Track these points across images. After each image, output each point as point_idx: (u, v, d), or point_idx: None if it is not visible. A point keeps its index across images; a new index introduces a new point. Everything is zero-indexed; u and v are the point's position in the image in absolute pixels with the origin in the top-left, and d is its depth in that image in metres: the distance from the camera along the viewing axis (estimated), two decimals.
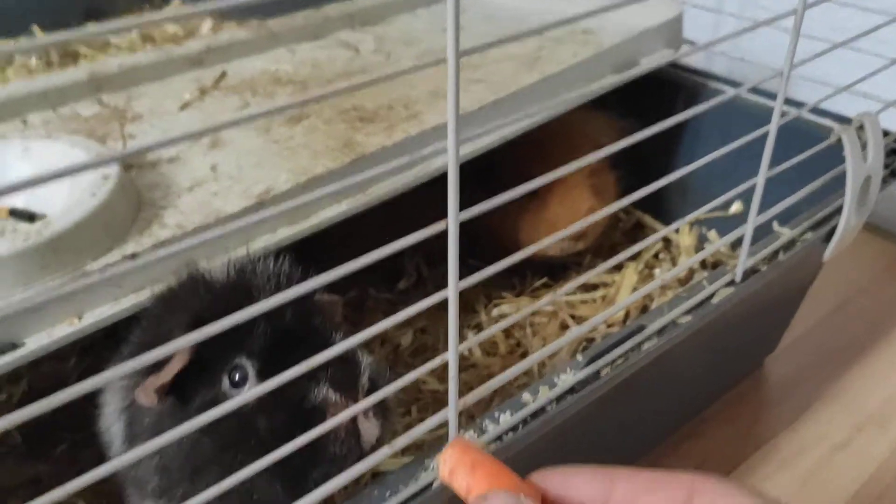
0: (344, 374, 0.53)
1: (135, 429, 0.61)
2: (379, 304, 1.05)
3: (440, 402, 0.93)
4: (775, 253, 0.74)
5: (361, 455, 0.52)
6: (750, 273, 0.71)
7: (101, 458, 0.83)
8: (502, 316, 1.00)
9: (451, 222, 0.43)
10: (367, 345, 0.61)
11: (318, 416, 0.54)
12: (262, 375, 0.56)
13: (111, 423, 0.65)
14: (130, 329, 0.66)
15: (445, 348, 0.98)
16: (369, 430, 0.53)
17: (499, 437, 0.56)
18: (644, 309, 1.01)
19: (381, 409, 0.55)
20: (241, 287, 0.59)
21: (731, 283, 0.70)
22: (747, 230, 0.68)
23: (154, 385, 0.54)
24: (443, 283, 1.13)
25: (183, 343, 0.39)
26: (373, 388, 0.55)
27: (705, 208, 0.69)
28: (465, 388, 0.93)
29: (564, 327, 1.01)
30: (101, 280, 0.36)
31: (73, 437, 0.85)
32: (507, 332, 0.99)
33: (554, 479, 0.42)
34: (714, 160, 0.63)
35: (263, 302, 0.41)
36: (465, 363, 0.96)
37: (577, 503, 0.41)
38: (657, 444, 0.91)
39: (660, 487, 0.40)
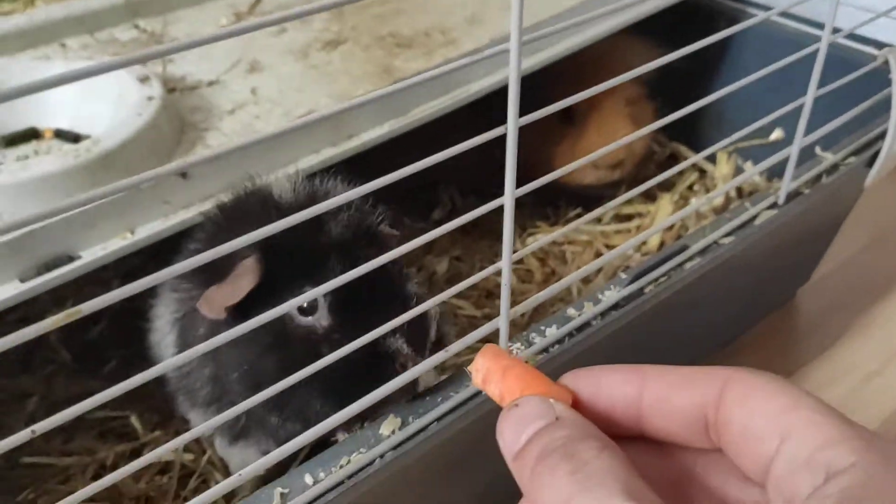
0: (416, 328, 0.54)
1: (188, 339, 0.63)
2: (413, 234, 1.06)
3: (475, 327, 0.94)
4: (818, 177, 0.74)
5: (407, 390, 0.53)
6: (793, 196, 0.71)
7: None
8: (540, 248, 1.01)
9: (511, 127, 0.43)
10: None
11: (384, 363, 0.55)
12: (333, 308, 0.57)
13: (164, 334, 0.67)
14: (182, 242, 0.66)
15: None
16: (427, 377, 0.54)
17: (545, 350, 0.58)
18: (678, 238, 1.01)
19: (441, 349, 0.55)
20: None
21: (774, 205, 0.71)
22: (793, 151, 0.68)
23: (224, 300, 0.55)
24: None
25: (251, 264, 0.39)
26: (437, 338, 0.56)
27: (745, 131, 0.68)
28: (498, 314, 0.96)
29: (598, 256, 1.01)
30: (143, 181, 0.36)
31: (121, 354, 0.87)
32: (542, 261, 1.00)
33: (586, 379, 0.41)
34: (752, 91, 0.62)
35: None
36: (499, 290, 0.97)
37: (608, 403, 0.40)
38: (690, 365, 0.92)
39: (691, 384, 0.38)
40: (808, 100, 0.66)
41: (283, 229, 0.42)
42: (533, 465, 0.36)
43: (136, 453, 0.76)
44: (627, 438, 0.40)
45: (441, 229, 0.45)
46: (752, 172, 0.69)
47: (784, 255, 0.84)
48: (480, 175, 1.10)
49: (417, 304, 0.56)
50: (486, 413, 0.53)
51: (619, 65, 0.98)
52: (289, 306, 0.42)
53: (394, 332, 0.54)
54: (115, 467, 0.74)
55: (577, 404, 0.40)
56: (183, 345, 0.63)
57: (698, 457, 0.40)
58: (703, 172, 1.10)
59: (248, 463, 0.70)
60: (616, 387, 0.40)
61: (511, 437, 0.38)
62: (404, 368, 0.53)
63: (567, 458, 0.35)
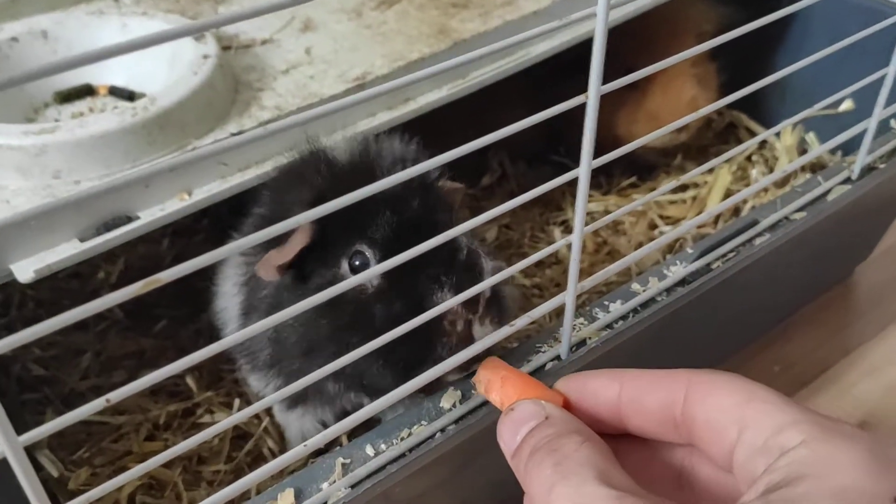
0: (470, 283, 0.51)
1: (252, 302, 0.62)
2: (463, 200, 1.04)
3: (525, 297, 0.93)
4: (893, 151, 0.71)
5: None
6: (867, 170, 0.68)
7: (197, 335, 0.86)
8: (589, 214, 0.99)
9: (593, 94, 0.41)
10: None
11: (434, 319, 0.53)
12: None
13: (229, 297, 0.66)
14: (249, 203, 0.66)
15: (530, 244, 0.99)
16: (483, 335, 0.52)
17: (609, 326, 0.56)
18: (736, 212, 0.98)
19: (497, 314, 0.54)
20: (365, 168, 0.58)
21: (847, 180, 0.68)
22: (871, 124, 0.65)
23: (276, 261, 0.54)
24: (524, 181, 1.11)
25: (304, 220, 0.38)
26: (494, 296, 0.54)
27: (820, 105, 0.65)
28: (549, 284, 0.94)
29: (653, 227, 0.99)
30: (212, 153, 0.35)
31: (171, 314, 0.87)
32: (595, 231, 0.98)
33: (574, 383, 0.46)
34: (819, 60, 0.59)
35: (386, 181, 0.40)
36: (549, 260, 0.95)
37: (594, 405, 0.45)
38: (744, 346, 0.90)
39: (659, 386, 0.42)
40: (890, 70, 0.63)
41: (337, 186, 0.41)
42: (526, 461, 0.41)
43: (188, 413, 0.77)
44: (627, 437, 0.45)
45: (516, 201, 0.43)
46: (825, 147, 0.66)
47: (850, 231, 0.82)
48: (532, 141, 1.08)
49: (469, 257, 0.55)
50: None
51: (680, 23, 0.95)
52: (342, 287, 0.41)
53: (441, 287, 0.52)
54: (167, 427, 0.75)
55: (568, 406, 0.45)
56: (249, 307, 0.63)
57: (690, 452, 0.44)
58: (762, 142, 1.06)
59: (305, 429, 0.71)
60: (599, 390, 0.45)
61: (508, 437, 0.43)
62: (453, 326, 0.51)
63: (551, 453, 0.40)
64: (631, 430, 0.44)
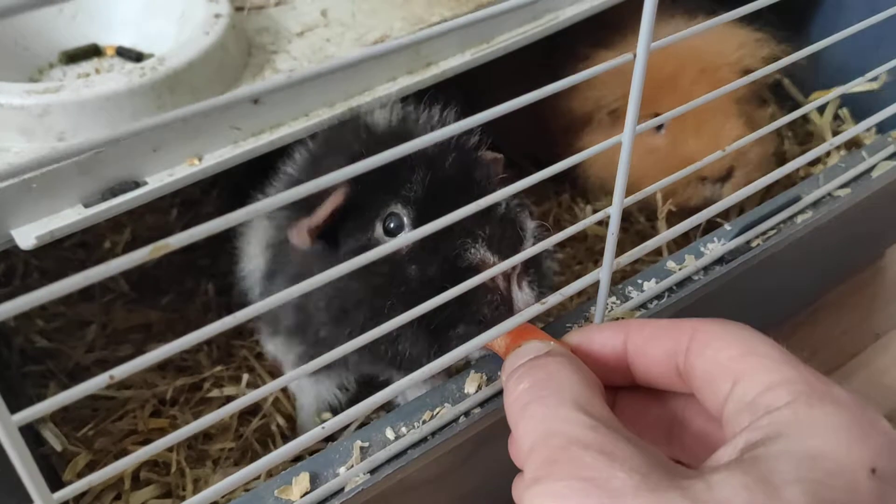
0: (505, 238, 0.49)
1: (277, 266, 0.60)
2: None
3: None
4: None
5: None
6: None
7: (205, 309, 0.83)
8: None
9: (642, 51, 0.37)
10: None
11: (471, 276, 0.50)
12: (417, 223, 0.53)
13: (252, 259, 0.64)
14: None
15: (564, 217, 0.95)
16: (523, 299, 0.49)
17: (643, 305, 0.53)
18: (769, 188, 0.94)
19: (537, 278, 0.51)
20: (403, 134, 0.55)
21: (893, 155, 0.64)
22: None
23: (308, 225, 0.52)
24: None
25: (335, 179, 0.35)
26: (532, 262, 0.51)
27: (857, 82, 0.60)
28: (573, 262, 0.91)
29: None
30: (218, 106, 0.32)
31: (177, 288, 0.85)
32: None
33: (580, 336, 0.46)
34: (853, 36, 0.55)
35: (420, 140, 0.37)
36: (578, 235, 0.92)
37: (601, 355, 0.44)
38: (770, 329, 0.87)
39: (664, 335, 0.42)
40: None
41: (371, 150, 0.38)
42: (508, 379, 0.41)
43: (195, 388, 0.74)
44: (628, 388, 0.45)
45: (562, 164, 0.40)
46: (866, 125, 0.61)
47: (890, 210, 0.78)
48: (529, 140, 1.00)
49: (507, 211, 0.52)
50: None
51: (716, 56, 0.84)
52: (377, 254, 0.38)
53: (476, 240, 0.50)
54: (174, 402, 0.72)
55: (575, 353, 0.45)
56: (273, 271, 0.61)
57: (687, 402, 0.44)
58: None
59: (321, 396, 0.68)
60: (605, 341, 0.44)
61: (509, 364, 0.43)
62: (493, 281, 0.49)
63: (533, 369, 0.40)
64: (636, 380, 0.44)
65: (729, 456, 0.35)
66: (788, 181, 0.74)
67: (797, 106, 1.01)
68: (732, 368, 0.38)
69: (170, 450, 0.66)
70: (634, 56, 0.38)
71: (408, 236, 0.39)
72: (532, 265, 0.50)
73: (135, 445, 0.67)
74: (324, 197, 0.53)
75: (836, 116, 0.98)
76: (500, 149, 0.61)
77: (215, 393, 0.72)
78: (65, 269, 0.86)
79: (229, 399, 0.72)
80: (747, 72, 0.77)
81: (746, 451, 0.34)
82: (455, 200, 0.47)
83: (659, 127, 0.79)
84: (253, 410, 0.72)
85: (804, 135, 1.00)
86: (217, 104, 0.30)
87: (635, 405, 0.45)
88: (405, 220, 0.52)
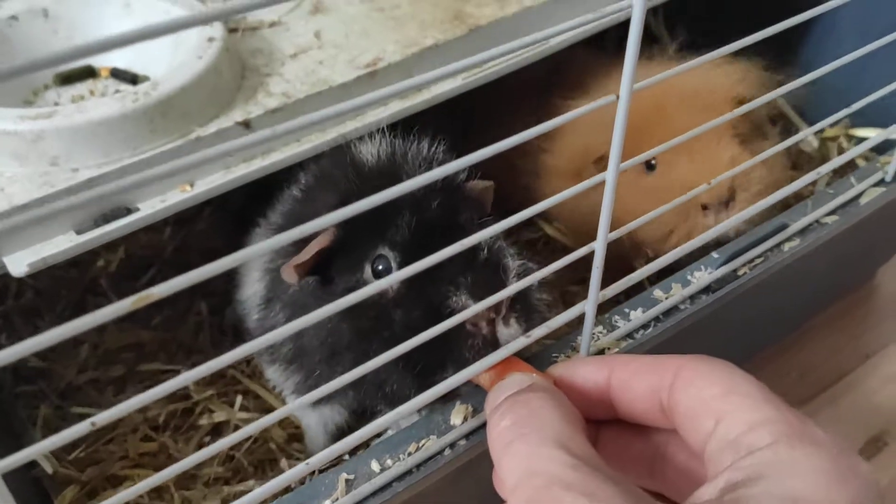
0: (488, 283, 0.49)
1: (275, 292, 0.61)
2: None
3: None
4: None
5: None
6: None
7: (198, 329, 0.83)
8: None
9: (624, 96, 0.38)
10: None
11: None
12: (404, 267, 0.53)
13: (252, 284, 0.65)
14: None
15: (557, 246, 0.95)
16: (511, 335, 0.49)
17: (629, 335, 0.53)
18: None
19: (525, 312, 0.51)
20: (391, 172, 0.56)
21: (882, 182, 0.64)
22: None
23: (294, 262, 0.53)
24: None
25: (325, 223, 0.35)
26: (519, 297, 0.51)
27: (858, 105, 0.61)
28: (567, 282, 0.91)
29: None
30: (219, 153, 0.32)
31: (170, 308, 0.85)
32: None
33: (564, 370, 0.46)
34: (846, 48, 0.56)
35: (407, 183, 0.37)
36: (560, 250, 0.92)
37: (583, 389, 0.45)
38: (760, 351, 0.87)
39: (649, 370, 0.43)
40: None
41: (362, 189, 0.38)
42: (492, 415, 0.41)
43: (187, 413, 0.74)
44: (612, 422, 0.45)
45: (547, 202, 0.40)
46: (863, 148, 0.62)
47: (879, 234, 0.78)
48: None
49: (490, 255, 0.52)
50: None
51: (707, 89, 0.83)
52: (364, 294, 0.38)
53: (458, 288, 0.50)
54: (166, 426, 0.72)
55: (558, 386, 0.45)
56: (270, 298, 0.62)
57: (670, 437, 0.44)
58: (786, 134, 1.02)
59: (326, 421, 0.69)
60: (589, 375, 0.45)
61: (492, 398, 0.43)
62: (476, 327, 0.49)
63: (516, 405, 0.41)
64: (619, 415, 0.45)
65: (710, 495, 0.36)
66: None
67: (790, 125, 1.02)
68: (715, 407, 0.39)
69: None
70: (617, 97, 0.38)
71: (381, 282, 0.39)
72: (518, 301, 0.51)
73: (125, 470, 0.68)
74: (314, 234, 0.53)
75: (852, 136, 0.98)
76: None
77: (207, 419, 0.73)
78: (59, 288, 0.86)
79: (220, 424, 0.72)
80: (740, 103, 0.76)
81: (727, 491, 0.35)
82: (441, 245, 0.48)
83: (651, 167, 0.77)
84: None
85: (802, 157, 1.00)
86: (201, 158, 0.30)
87: (618, 439, 0.46)
88: (393, 263, 0.53)
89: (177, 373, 0.77)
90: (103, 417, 0.31)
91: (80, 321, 0.28)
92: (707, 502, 0.35)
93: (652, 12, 1.07)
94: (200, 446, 0.71)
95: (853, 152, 0.59)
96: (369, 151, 0.59)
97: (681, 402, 0.41)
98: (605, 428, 0.46)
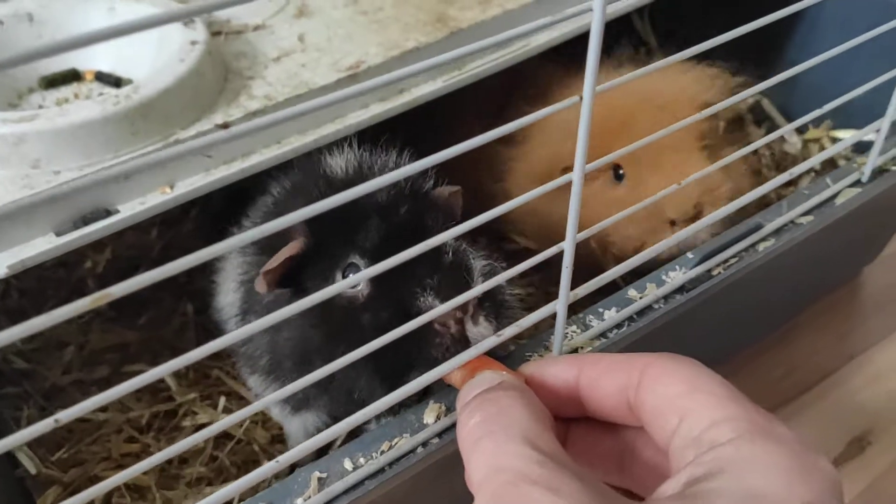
0: (454, 283, 0.50)
1: (250, 303, 0.62)
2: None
3: (523, 302, 0.91)
4: None
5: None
6: (878, 173, 0.66)
7: (182, 329, 0.84)
8: None
9: (587, 97, 0.38)
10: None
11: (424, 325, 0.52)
12: (375, 276, 0.54)
13: (228, 294, 0.66)
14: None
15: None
16: (481, 334, 0.50)
17: (603, 334, 0.54)
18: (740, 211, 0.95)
19: (493, 309, 0.52)
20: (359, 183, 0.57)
21: (857, 182, 0.65)
22: (883, 126, 0.62)
23: (264, 269, 0.53)
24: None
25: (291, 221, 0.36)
26: (487, 295, 0.51)
27: (834, 103, 0.62)
28: (539, 293, 0.91)
29: None
30: (195, 148, 0.33)
31: (155, 307, 0.85)
32: None
33: (534, 368, 0.46)
34: (828, 48, 0.56)
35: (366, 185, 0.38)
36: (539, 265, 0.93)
37: (553, 387, 0.45)
38: (743, 350, 0.88)
39: (617, 369, 0.43)
40: None
41: (330, 198, 0.39)
42: (461, 411, 0.42)
43: (171, 414, 0.75)
44: (581, 419, 0.46)
45: (509, 204, 0.41)
46: (840, 146, 0.63)
47: (858, 234, 0.79)
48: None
49: (455, 256, 0.53)
50: None
51: (670, 94, 0.81)
52: (332, 291, 0.39)
53: (424, 289, 0.51)
54: (149, 427, 0.73)
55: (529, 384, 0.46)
56: (246, 308, 0.63)
57: (638, 434, 0.45)
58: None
59: (308, 427, 0.70)
60: (559, 373, 0.45)
61: (463, 396, 0.44)
62: (444, 326, 0.50)
63: (485, 403, 0.41)
64: (589, 412, 0.45)
65: (672, 489, 0.36)
66: None
67: (774, 126, 1.02)
68: (680, 404, 0.40)
69: (144, 473, 0.67)
70: (581, 98, 0.39)
71: (347, 281, 0.40)
72: (487, 299, 0.51)
73: (107, 472, 0.68)
74: (282, 241, 0.55)
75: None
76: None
77: (189, 420, 0.73)
78: (45, 288, 0.87)
79: (205, 424, 0.73)
80: (706, 107, 0.76)
81: (689, 485, 0.35)
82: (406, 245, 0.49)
83: (619, 177, 0.77)
84: (227, 434, 0.73)
85: (782, 156, 1.01)
86: (177, 153, 0.30)
87: (588, 437, 0.46)
88: (363, 270, 0.53)
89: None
90: (68, 415, 0.31)
91: (33, 322, 0.28)
92: (670, 497, 0.35)
93: (638, 15, 1.08)
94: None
95: (821, 156, 0.59)
96: (338, 164, 0.60)
97: (647, 400, 0.41)
98: (574, 425, 0.47)
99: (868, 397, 0.88)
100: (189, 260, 0.31)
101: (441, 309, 0.43)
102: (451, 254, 0.53)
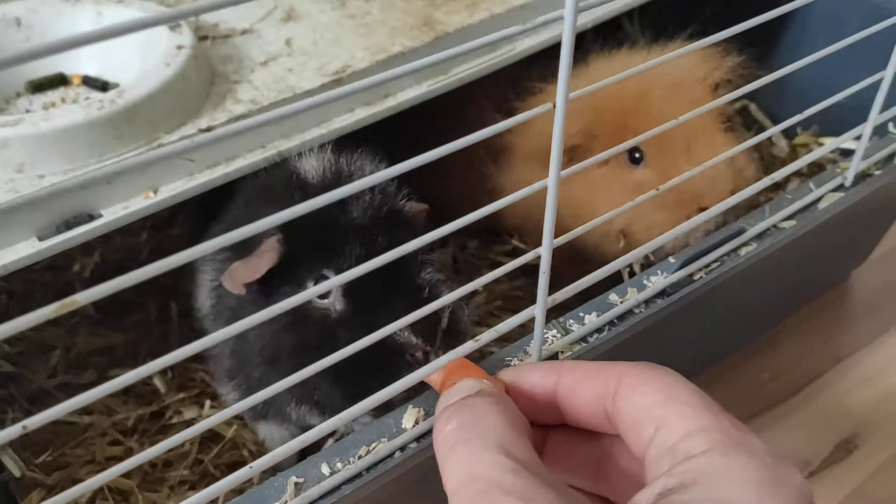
0: (428, 320, 0.51)
1: (219, 308, 0.62)
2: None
3: (507, 297, 0.91)
4: (890, 157, 0.68)
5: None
6: (861, 177, 0.66)
7: (168, 334, 0.84)
8: None
9: (560, 105, 0.39)
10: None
11: (395, 354, 0.53)
12: (348, 294, 0.55)
13: (205, 298, 0.66)
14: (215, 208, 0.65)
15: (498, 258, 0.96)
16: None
17: (583, 339, 0.54)
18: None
19: (454, 342, 0.53)
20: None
21: (840, 187, 0.65)
22: (866, 130, 0.62)
23: (243, 277, 0.54)
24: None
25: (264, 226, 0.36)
26: (452, 326, 0.54)
27: (817, 108, 0.62)
28: (526, 296, 0.91)
29: None
30: (178, 151, 0.33)
31: (143, 311, 0.85)
32: None
33: (512, 374, 0.47)
34: (818, 60, 0.57)
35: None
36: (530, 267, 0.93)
37: (530, 394, 0.45)
38: (729, 353, 0.88)
39: (595, 377, 0.43)
40: (887, 75, 0.60)
41: (301, 204, 0.39)
42: (443, 422, 0.41)
43: (157, 416, 0.75)
44: (559, 426, 0.46)
45: (479, 213, 0.41)
46: (823, 151, 0.63)
47: (843, 238, 0.79)
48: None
49: (430, 293, 0.55)
50: None
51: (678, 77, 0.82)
52: (305, 296, 0.39)
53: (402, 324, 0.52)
54: (134, 430, 0.73)
55: (507, 393, 0.46)
56: (217, 314, 0.63)
57: (615, 441, 0.45)
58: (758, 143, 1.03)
59: (274, 435, 0.70)
60: (537, 381, 0.45)
61: (442, 402, 0.44)
62: (415, 359, 0.52)
63: (461, 409, 0.41)
64: (566, 420, 0.46)
65: (646, 500, 0.36)
66: None
67: (762, 130, 1.02)
68: (655, 414, 0.40)
69: (127, 477, 0.67)
70: (554, 106, 0.39)
71: (329, 283, 0.40)
72: (447, 335, 0.54)
73: (92, 475, 0.68)
74: (254, 242, 0.55)
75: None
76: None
77: (176, 419, 0.73)
78: (32, 291, 0.87)
79: (189, 426, 0.73)
80: (717, 87, 0.76)
81: (662, 496, 0.35)
82: (385, 272, 0.49)
83: (636, 160, 0.74)
84: (213, 437, 0.73)
85: (770, 159, 1.01)
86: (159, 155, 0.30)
87: (565, 444, 0.46)
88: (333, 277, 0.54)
89: (147, 377, 0.78)
90: (35, 422, 0.31)
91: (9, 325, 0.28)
92: None
93: (628, 18, 1.08)
94: (170, 449, 0.71)
95: (805, 160, 0.59)
96: (315, 168, 0.60)
97: (623, 409, 0.42)
98: (552, 432, 0.47)
99: (855, 400, 0.88)
100: (159, 266, 0.31)
101: (398, 324, 0.44)
102: (427, 290, 0.55)
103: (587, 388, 0.43)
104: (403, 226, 0.58)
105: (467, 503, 0.36)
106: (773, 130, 0.58)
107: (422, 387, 0.48)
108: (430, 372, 0.45)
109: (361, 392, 0.46)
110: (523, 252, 0.92)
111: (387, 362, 0.52)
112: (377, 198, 0.58)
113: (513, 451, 0.38)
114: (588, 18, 0.78)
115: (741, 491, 0.34)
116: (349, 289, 0.55)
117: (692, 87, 0.74)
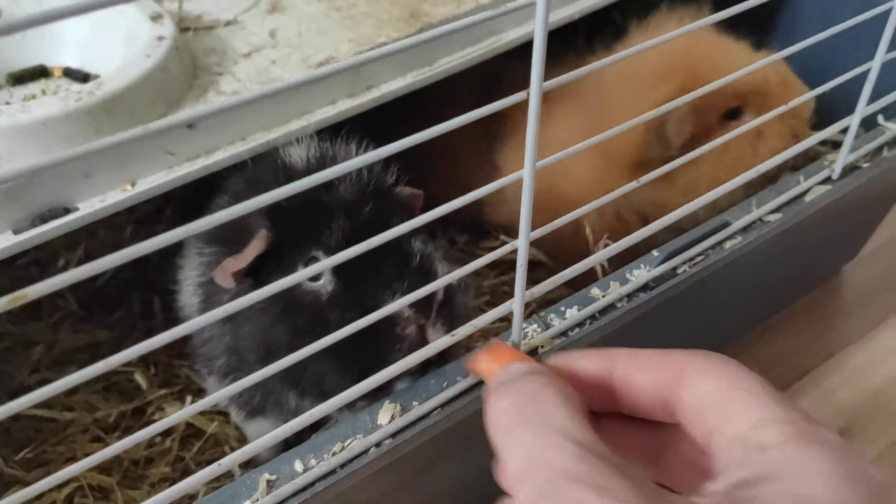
0: (419, 287, 0.50)
1: (210, 305, 0.61)
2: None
3: (493, 291, 0.90)
4: (879, 149, 0.68)
5: (429, 363, 0.50)
6: (849, 169, 0.65)
7: (151, 329, 0.83)
8: None
9: (534, 92, 0.38)
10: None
11: (387, 326, 0.52)
12: (338, 272, 0.54)
13: (189, 296, 0.65)
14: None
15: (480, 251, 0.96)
16: (438, 341, 0.49)
17: (564, 333, 0.53)
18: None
19: (450, 319, 0.53)
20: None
21: (828, 179, 0.64)
22: (853, 121, 0.61)
23: (232, 268, 0.53)
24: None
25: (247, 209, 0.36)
26: (447, 300, 0.52)
27: (806, 97, 0.61)
28: (510, 290, 0.91)
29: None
30: (148, 134, 0.32)
31: (127, 306, 0.85)
32: None
33: (564, 360, 0.45)
34: (811, 48, 0.56)
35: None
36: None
37: (584, 381, 0.44)
38: (718, 348, 0.87)
39: (654, 366, 0.42)
40: (874, 65, 0.59)
41: (293, 194, 0.38)
42: (494, 400, 0.40)
43: (139, 412, 0.74)
44: (609, 415, 0.45)
45: (464, 198, 0.40)
46: (811, 141, 0.62)
47: (834, 232, 0.78)
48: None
49: (422, 262, 0.54)
50: None
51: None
52: (296, 278, 0.39)
53: (393, 293, 0.52)
54: (116, 427, 0.72)
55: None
56: (206, 309, 0.61)
57: (673, 430, 0.43)
58: None
59: (264, 434, 0.69)
60: (590, 366, 0.44)
61: (494, 383, 0.42)
62: (405, 330, 0.51)
63: (518, 391, 0.40)
64: (620, 409, 0.44)
65: (717, 488, 0.36)
66: None
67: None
68: (719, 402, 0.39)
69: (108, 474, 0.67)
70: (528, 94, 0.38)
71: (319, 265, 0.39)
72: (445, 306, 0.52)
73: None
74: (244, 237, 0.55)
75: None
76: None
77: (158, 417, 0.73)
78: (17, 286, 0.86)
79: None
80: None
81: (737, 488, 0.35)
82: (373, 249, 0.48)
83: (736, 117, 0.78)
84: (195, 434, 0.72)
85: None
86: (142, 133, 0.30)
87: (621, 432, 0.45)
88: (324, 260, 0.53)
89: (129, 374, 0.77)
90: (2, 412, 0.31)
91: None
92: (714, 493, 0.35)
93: (618, 10, 1.07)
94: (151, 446, 0.70)
95: (791, 151, 0.58)
96: (299, 155, 0.59)
97: (684, 398, 0.41)
98: (605, 420, 0.45)
99: (846, 395, 0.87)
100: (124, 254, 0.31)
101: (403, 302, 0.43)
102: (418, 258, 0.54)
103: (646, 377, 0.42)
104: (389, 200, 0.58)
105: (536, 494, 0.35)
106: (760, 120, 0.57)
107: (424, 368, 0.48)
108: (432, 352, 0.45)
109: (357, 370, 0.46)
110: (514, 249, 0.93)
111: (380, 336, 0.50)
112: (363, 174, 0.57)
113: (575, 433, 0.37)
114: (575, 9, 0.77)
115: (819, 484, 0.33)
116: (338, 268, 0.54)
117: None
